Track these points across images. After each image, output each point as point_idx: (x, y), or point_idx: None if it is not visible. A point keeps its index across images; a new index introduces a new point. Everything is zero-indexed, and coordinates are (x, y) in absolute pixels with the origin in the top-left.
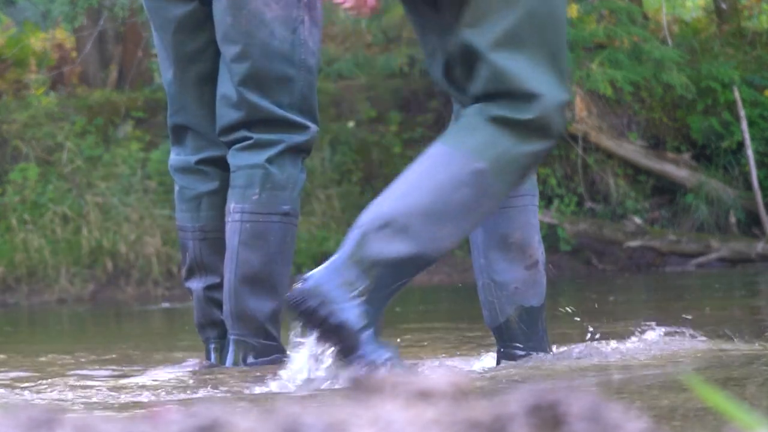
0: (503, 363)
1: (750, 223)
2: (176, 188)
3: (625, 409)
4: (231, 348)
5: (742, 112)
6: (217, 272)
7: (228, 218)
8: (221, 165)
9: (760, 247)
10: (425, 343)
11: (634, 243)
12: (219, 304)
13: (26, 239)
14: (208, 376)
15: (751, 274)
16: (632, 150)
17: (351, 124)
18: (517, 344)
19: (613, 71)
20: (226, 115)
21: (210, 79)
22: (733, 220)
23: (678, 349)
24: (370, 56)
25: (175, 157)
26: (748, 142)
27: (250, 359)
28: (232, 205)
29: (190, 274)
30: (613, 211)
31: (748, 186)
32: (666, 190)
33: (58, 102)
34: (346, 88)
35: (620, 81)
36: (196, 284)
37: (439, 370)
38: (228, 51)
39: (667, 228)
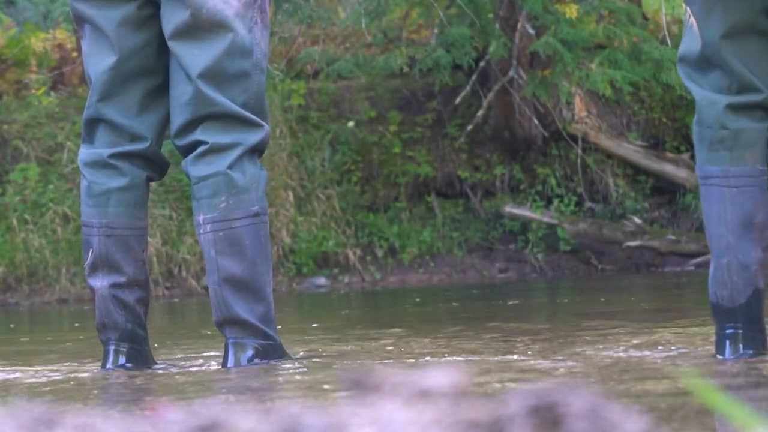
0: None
1: None
2: (84, 183)
3: (625, 409)
4: (230, 351)
5: None
6: (122, 271)
7: (199, 231)
8: (135, 161)
9: None
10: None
11: (633, 243)
12: (123, 305)
13: (27, 239)
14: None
15: None
16: (632, 150)
17: (351, 124)
18: (758, 326)
19: (612, 71)
20: (180, 114)
21: (144, 75)
22: None
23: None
24: (370, 56)
25: (85, 151)
26: None
27: (251, 359)
28: (200, 218)
29: (94, 271)
30: (612, 211)
31: None
32: (665, 190)
33: (58, 102)
34: (346, 88)
35: (620, 81)
36: (99, 282)
37: (440, 370)
38: (185, 48)
39: (667, 228)
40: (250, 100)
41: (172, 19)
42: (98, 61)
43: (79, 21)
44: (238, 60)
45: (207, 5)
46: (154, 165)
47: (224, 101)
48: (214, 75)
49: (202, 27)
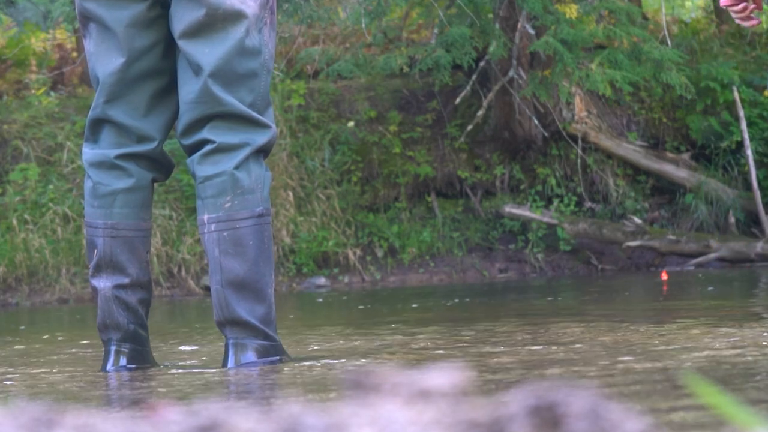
0: None
1: (749, 223)
2: (89, 184)
3: (625, 409)
4: (231, 351)
5: (742, 113)
6: (126, 272)
7: (203, 230)
8: (141, 162)
9: (759, 247)
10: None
11: (633, 243)
12: (125, 305)
13: (27, 239)
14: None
15: (750, 274)
16: (632, 150)
17: (351, 124)
18: None
19: (612, 71)
20: (187, 112)
21: (151, 76)
22: (732, 220)
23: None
24: (370, 56)
25: (90, 151)
26: (747, 142)
27: (251, 359)
28: (205, 217)
29: (98, 271)
30: (612, 211)
31: (748, 186)
32: (665, 190)
33: (58, 102)
34: (345, 88)
35: (620, 81)
36: (103, 283)
37: (440, 370)
38: (196, 47)
39: (667, 228)
40: (257, 101)
41: (184, 17)
42: (106, 62)
43: (84, 20)
44: (247, 60)
45: (224, 5)
46: (160, 166)
47: (232, 101)
48: (224, 74)
49: (215, 25)
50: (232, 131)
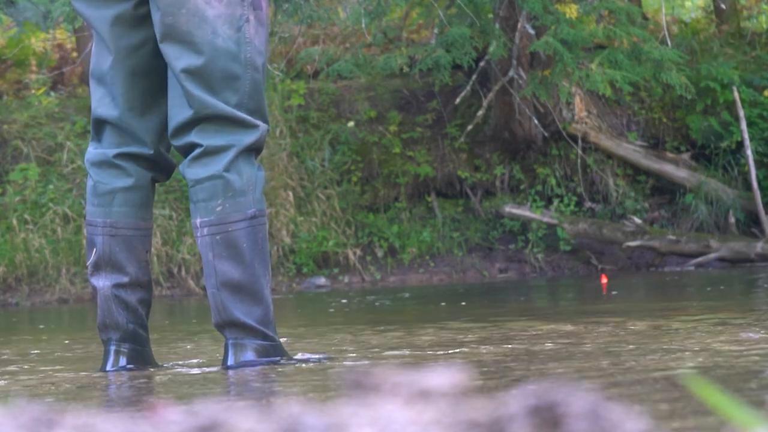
0: None
1: (749, 223)
2: (90, 183)
3: (625, 410)
4: (230, 351)
5: (742, 113)
6: (125, 271)
7: (197, 233)
8: (140, 161)
9: (759, 247)
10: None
11: (633, 243)
12: (125, 305)
13: (27, 239)
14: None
15: (750, 274)
16: (632, 150)
17: (351, 124)
18: None
19: (612, 71)
20: (176, 115)
21: (143, 75)
22: (732, 220)
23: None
24: (370, 56)
25: (93, 151)
26: (747, 142)
27: (250, 359)
28: (198, 221)
29: (96, 270)
30: (612, 211)
31: (748, 186)
32: (665, 190)
33: (58, 102)
34: (345, 88)
35: (620, 81)
36: (102, 282)
37: (440, 370)
38: (171, 50)
39: (667, 228)
40: (244, 100)
41: (157, 19)
42: (100, 61)
43: (85, 20)
44: (223, 62)
45: (187, 5)
46: (160, 166)
47: (216, 103)
48: (201, 77)
49: (180, 28)
50: (218, 133)
